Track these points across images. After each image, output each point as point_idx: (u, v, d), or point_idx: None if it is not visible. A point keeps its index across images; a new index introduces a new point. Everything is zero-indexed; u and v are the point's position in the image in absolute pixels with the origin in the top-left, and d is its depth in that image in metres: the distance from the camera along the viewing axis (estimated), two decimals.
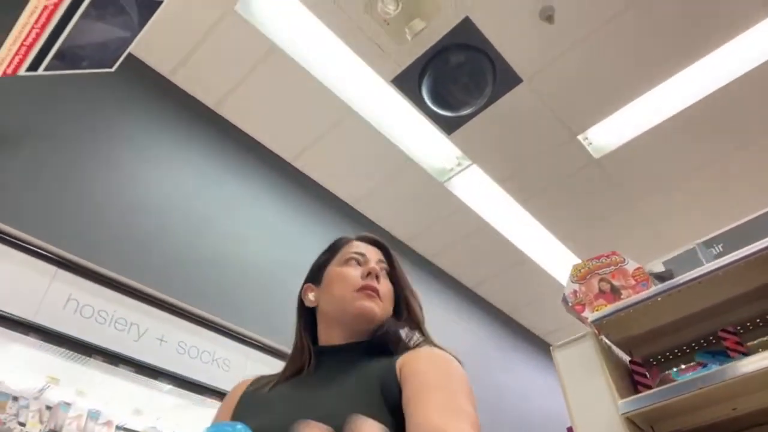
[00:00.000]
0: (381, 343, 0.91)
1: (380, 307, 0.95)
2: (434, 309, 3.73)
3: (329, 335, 0.97)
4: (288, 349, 1.03)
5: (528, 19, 2.66)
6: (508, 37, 2.73)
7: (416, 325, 0.98)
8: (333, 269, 1.03)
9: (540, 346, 4.79)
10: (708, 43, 2.77)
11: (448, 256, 4.01)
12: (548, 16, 2.66)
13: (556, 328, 4.62)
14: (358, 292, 0.96)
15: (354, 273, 0.99)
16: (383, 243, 1.09)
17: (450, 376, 0.79)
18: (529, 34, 2.71)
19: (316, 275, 1.08)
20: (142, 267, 2.20)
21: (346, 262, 1.02)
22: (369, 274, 0.99)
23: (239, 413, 0.89)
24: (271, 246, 2.84)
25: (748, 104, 3.03)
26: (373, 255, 1.05)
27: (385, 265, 1.04)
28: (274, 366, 2.39)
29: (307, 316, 1.04)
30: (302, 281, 1.09)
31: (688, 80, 2.93)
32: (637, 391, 1.56)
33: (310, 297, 1.04)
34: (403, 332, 0.94)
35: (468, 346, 3.87)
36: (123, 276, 2.09)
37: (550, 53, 2.80)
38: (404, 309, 1.01)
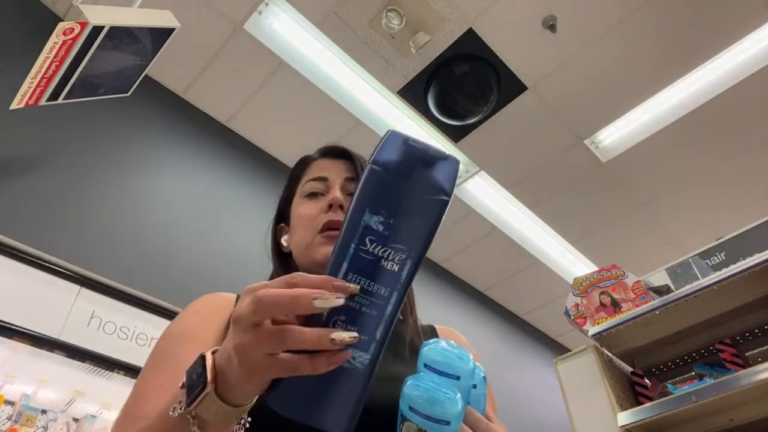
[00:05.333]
0: None
1: None
2: (447, 313, 3.79)
3: None
4: None
5: (531, 28, 2.69)
6: (512, 46, 2.76)
7: None
8: (295, 206, 0.86)
9: (553, 348, 4.81)
10: (713, 45, 2.77)
11: (459, 261, 4.06)
12: (551, 26, 2.70)
13: (568, 330, 4.64)
14: (321, 234, 0.78)
15: (314, 209, 0.80)
16: (351, 152, 0.87)
17: None
18: (533, 42, 2.75)
19: (284, 213, 0.90)
20: (161, 283, 2.29)
21: (307, 194, 0.83)
22: (331, 206, 0.79)
23: None
24: None
25: (755, 105, 3.03)
26: (339, 173, 0.84)
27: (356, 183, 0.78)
28: None
29: (286, 261, 0.86)
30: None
31: (693, 84, 2.94)
32: (639, 402, 1.61)
33: (283, 242, 0.87)
34: None
35: (481, 349, 3.92)
36: (143, 293, 2.19)
37: (554, 60, 2.83)
38: None
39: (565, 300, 1.93)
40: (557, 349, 4.84)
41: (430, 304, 3.63)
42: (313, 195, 0.83)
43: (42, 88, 1.90)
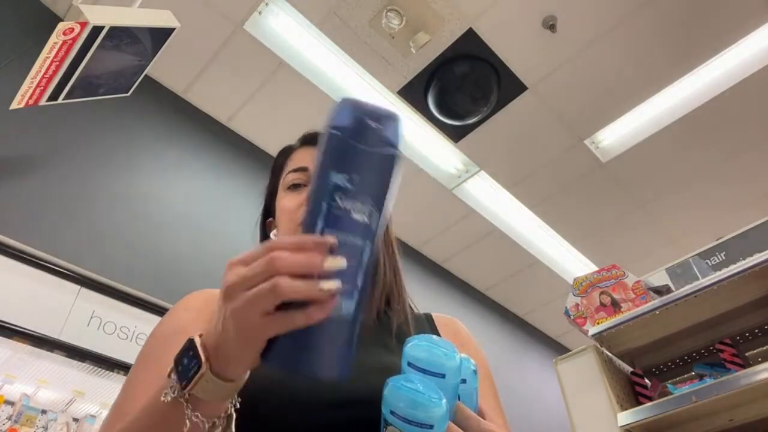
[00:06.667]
0: None
1: None
2: (446, 313, 3.78)
3: None
4: None
5: (531, 28, 2.69)
6: (512, 46, 2.76)
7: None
8: (278, 198, 0.85)
9: (553, 348, 4.81)
10: (713, 45, 2.77)
11: (459, 261, 4.06)
12: (551, 25, 2.70)
13: (568, 330, 4.64)
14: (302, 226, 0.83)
15: (295, 202, 0.79)
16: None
17: None
18: (533, 42, 2.75)
19: (270, 206, 0.90)
20: (161, 283, 2.29)
21: (289, 186, 0.82)
22: None
23: None
24: None
25: (755, 105, 3.03)
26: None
27: None
28: None
29: None
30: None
31: (693, 83, 2.94)
32: (639, 402, 1.61)
33: (272, 237, 0.86)
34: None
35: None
36: (143, 292, 2.19)
37: (554, 60, 2.83)
38: None
39: (565, 300, 1.93)
40: (557, 349, 4.84)
41: (430, 304, 3.62)
42: (295, 186, 0.82)
43: (42, 88, 1.90)
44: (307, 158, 0.84)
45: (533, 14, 2.64)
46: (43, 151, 2.24)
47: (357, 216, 0.45)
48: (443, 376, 0.49)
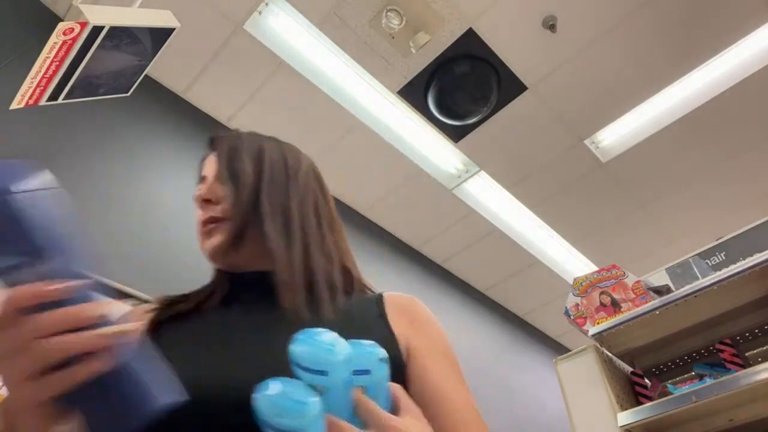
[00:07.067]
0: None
1: (224, 234, 0.75)
2: (446, 313, 3.78)
3: None
4: None
5: (531, 28, 2.69)
6: (512, 46, 2.76)
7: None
8: None
9: (553, 348, 4.81)
10: (713, 45, 2.78)
11: (459, 261, 4.06)
12: (551, 25, 2.70)
13: (568, 330, 4.64)
14: (200, 234, 0.78)
15: (198, 217, 0.79)
16: (215, 139, 0.85)
17: None
18: (533, 42, 2.75)
19: None
20: (161, 284, 2.29)
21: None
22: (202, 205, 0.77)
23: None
24: None
25: (755, 105, 3.04)
26: (212, 167, 0.81)
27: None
28: None
29: None
30: None
31: (693, 84, 2.95)
32: (639, 402, 1.61)
33: None
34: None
35: (481, 349, 3.92)
36: (143, 293, 2.18)
37: (554, 60, 2.83)
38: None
39: (565, 300, 1.93)
40: (557, 349, 4.84)
41: (430, 304, 3.61)
42: (199, 199, 0.81)
43: (42, 88, 1.90)
44: (205, 165, 0.84)
45: (533, 14, 2.64)
46: (43, 151, 2.24)
47: (24, 276, 0.42)
48: (325, 373, 0.47)
